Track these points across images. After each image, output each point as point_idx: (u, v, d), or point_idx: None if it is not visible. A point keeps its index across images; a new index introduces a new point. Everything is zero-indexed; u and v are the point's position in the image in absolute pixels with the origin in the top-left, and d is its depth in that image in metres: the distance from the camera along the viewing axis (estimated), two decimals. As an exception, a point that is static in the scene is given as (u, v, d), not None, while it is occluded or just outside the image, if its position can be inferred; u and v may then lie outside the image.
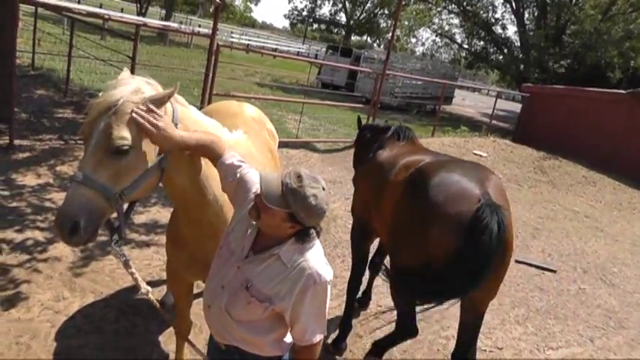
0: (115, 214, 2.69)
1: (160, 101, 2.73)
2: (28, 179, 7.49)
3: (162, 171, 2.81)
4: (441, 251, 3.81)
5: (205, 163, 3.07)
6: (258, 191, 2.61)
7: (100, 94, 2.72)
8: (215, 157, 2.96)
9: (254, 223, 2.71)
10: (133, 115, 2.62)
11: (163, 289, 5.56)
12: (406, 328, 4.39)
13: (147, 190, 2.82)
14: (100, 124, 2.59)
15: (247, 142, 3.81)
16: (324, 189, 2.59)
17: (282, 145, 12.57)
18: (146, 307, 5.23)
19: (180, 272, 3.70)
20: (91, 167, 2.55)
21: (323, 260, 2.68)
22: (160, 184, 2.96)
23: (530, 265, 8.61)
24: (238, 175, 2.91)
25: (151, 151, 2.72)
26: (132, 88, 2.70)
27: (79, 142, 9.28)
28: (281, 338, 2.82)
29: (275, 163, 4.41)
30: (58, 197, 7.10)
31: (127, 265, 2.91)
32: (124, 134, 2.57)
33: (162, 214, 7.30)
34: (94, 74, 15.34)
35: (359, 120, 6.42)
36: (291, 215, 2.54)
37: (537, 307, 7.14)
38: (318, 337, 2.69)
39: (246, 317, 2.70)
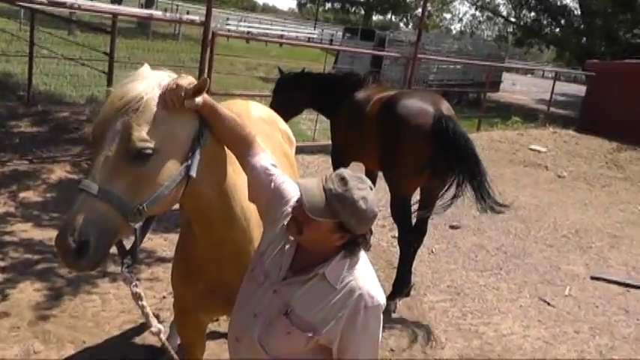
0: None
1: (196, 90, 2.68)
2: (-15, 208, 7.46)
3: (187, 179, 2.74)
4: (415, 158, 6.28)
5: (233, 170, 3.04)
6: (294, 202, 2.66)
7: (112, 89, 2.70)
8: (245, 144, 2.97)
9: (292, 239, 2.73)
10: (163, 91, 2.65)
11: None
12: (409, 236, 6.65)
13: (169, 203, 2.76)
14: (116, 123, 2.56)
15: None
16: (371, 189, 2.61)
17: (297, 150, 12.50)
18: (142, 357, 5.16)
19: (193, 310, 3.63)
20: (104, 175, 2.50)
21: (374, 280, 2.68)
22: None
23: (611, 281, 8.44)
24: (273, 184, 2.93)
25: (177, 155, 2.68)
26: (155, 81, 2.69)
27: (47, 162, 9.27)
28: None
29: (293, 170, 4.37)
30: (22, 229, 7.07)
31: (137, 297, 2.80)
32: (145, 135, 2.55)
33: (155, 242, 7.24)
34: (62, 78, 15.30)
35: (280, 70, 9.02)
36: (339, 224, 2.55)
37: (624, 334, 6.96)
38: None
39: (285, 351, 2.68)
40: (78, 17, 21.35)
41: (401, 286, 6.73)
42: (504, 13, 40.66)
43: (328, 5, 79.52)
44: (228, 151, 3.02)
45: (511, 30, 41.28)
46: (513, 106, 29.90)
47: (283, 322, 2.63)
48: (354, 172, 2.68)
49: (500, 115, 22.66)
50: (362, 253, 2.71)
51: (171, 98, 2.63)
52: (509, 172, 14.38)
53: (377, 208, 2.60)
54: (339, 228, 2.56)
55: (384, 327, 2.73)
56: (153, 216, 3.00)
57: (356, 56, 28.46)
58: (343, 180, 2.56)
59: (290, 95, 8.20)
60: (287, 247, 2.77)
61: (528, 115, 23.93)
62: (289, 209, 2.76)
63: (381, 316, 2.65)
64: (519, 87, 42.27)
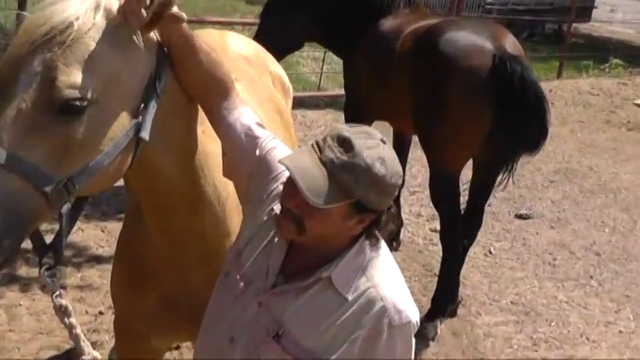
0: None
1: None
2: None
3: (137, 144, 2.67)
4: (465, 117, 6.18)
5: (202, 132, 3.00)
6: (281, 187, 2.65)
7: (27, 13, 2.62)
8: (219, 93, 2.92)
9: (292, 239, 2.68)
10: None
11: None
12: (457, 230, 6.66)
13: (110, 178, 2.71)
14: (33, 62, 2.44)
15: None
16: (384, 142, 2.54)
17: (296, 102, 12.54)
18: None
19: (143, 333, 3.62)
20: (15, 136, 2.39)
21: (403, 288, 2.67)
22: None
23: None
24: (258, 151, 2.88)
25: (123, 108, 2.60)
26: (89, 3, 2.57)
27: None
28: None
29: (289, 132, 4.41)
30: None
31: (62, 311, 2.76)
32: (76, 79, 2.44)
33: (88, 233, 7.24)
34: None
35: None
36: (355, 205, 2.50)
37: None
38: None
39: None
40: None
41: (444, 301, 6.72)
42: None
43: None
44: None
45: None
46: (612, 42, 29.81)
47: (272, 349, 2.61)
48: (356, 127, 2.61)
49: (592, 57, 22.64)
50: (385, 251, 2.68)
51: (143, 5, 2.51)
52: (605, 137, 14.42)
53: (400, 167, 2.57)
54: (355, 209, 2.51)
55: (418, 359, 2.72)
56: (86, 197, 2.95)
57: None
58: (345, 141, 2.47)
59: (285, 23, 8.02)
60: (276, 241, 2.72)
61: (634, 57, 23.91)
62: (281, 187, 2.69)
63: (413, 340, 2.62)
64: (621, 15, 42.08)
